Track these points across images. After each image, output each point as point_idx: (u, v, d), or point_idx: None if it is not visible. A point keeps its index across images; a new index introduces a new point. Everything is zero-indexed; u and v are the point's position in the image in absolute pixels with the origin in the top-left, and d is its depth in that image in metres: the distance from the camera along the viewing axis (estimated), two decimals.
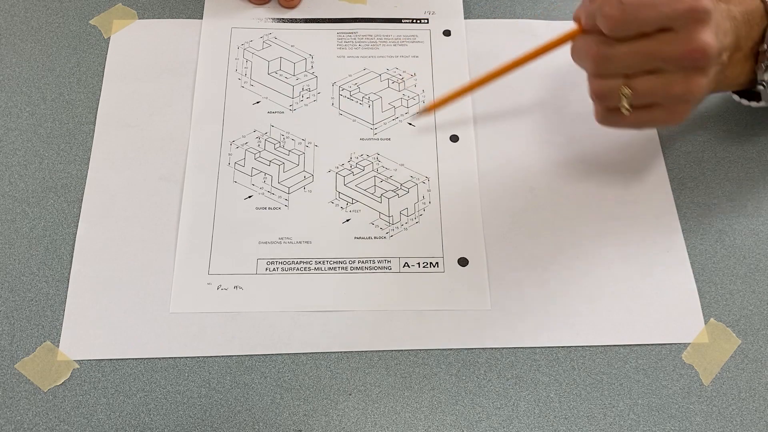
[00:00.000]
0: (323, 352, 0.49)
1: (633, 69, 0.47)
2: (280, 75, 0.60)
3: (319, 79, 0.60)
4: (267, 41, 0.61)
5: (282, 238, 0.53)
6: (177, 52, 0.60)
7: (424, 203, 0.55)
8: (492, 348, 0.50)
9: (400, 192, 0.55)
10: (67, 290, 0.50)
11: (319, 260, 0.52)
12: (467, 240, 0.53)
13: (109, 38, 0.61)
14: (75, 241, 0.52)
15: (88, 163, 0.55)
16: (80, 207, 0.53)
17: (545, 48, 0.52)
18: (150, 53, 0.60)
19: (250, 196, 0.54)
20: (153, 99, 0.58)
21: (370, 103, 0.59)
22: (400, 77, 0.60)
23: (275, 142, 0.57)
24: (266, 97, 0.59)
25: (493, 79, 0.54)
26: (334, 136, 0.57)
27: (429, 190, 0.55)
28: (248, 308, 0.50)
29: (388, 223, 0.54)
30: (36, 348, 0.49)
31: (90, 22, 0.62)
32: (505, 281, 0.52)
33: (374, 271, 0.52)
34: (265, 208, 0.54)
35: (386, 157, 0.57)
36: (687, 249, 0.53)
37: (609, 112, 0.49)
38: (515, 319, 0.50)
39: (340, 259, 0.52)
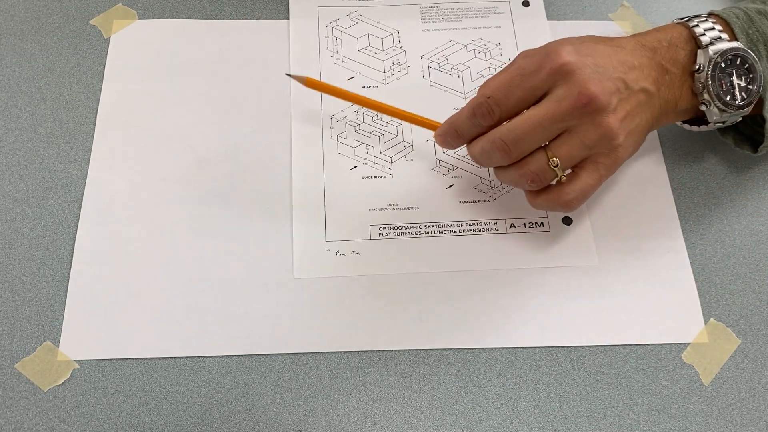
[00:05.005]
0: (323, 352, 0.49)
1: (543, 138, 0.46)
2: (370, 51, 0.61)
3: (408, 53, 0.61)
4: (353, 19, 0.63)
5: (390, 205, 0.55)
6: (177, 52, 0.60)
7: None
8: (492, 348, 0.50)
9: None
10: (67, 290, 0.50)
11: (429, 224, 0.54)
12: None
13: (109, 38, 0.61)
14: (75, 241, 0.52)
15: (88, 163, 0.55)
16: (80, 207, 0.53)
17: (418, 119, 0.54)
18: (150, 53, 0.60)
19: (355, 167, 0.56)
20: (153, 99, 0.58)
21: (459, 73, 0.60)
22: (486, 47, 0.62)
23: (373, 114, 0.58)
24: (359, 73, 0.60)
25: (380, 111, 0.55)
26: (427, 107, 0.57)
27: None
28: (366, 272, 0.52)
29: (490, 187, 0.55)
30: (36, 348, 0.49)
31: (90, 22, 0.62)
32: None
33: (482, 233, 0.53)
34: (371, 177, 0.56)
35: None
36: (687, 249, 0.53)
37: (552, 194, 0.48)
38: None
39: (449, 222, 0.54)
